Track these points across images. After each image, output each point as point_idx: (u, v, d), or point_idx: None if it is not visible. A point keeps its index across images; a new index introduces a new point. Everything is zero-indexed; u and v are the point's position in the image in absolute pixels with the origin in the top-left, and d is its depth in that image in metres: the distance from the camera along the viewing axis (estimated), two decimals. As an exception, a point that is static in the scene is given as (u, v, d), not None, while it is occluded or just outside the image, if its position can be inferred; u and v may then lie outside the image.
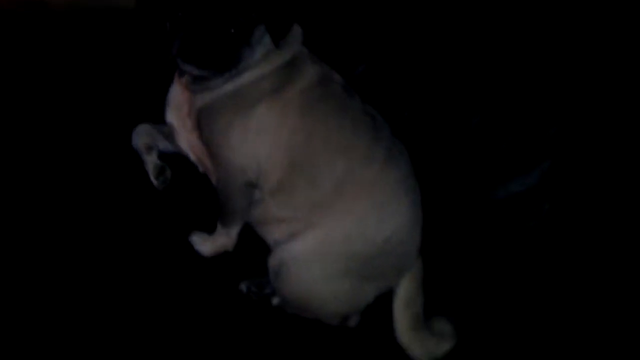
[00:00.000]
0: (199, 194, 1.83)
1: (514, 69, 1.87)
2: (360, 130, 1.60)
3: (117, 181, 1.87)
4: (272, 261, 1.62)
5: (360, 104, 1.65)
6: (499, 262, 1.84)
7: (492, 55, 1.88)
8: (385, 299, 1.69)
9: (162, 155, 1.83)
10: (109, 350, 1.54)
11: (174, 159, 1.83)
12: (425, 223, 1.70)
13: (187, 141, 1.72)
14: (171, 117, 1.73)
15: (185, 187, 1.85)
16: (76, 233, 1.74)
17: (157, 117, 1.79)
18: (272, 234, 1.65)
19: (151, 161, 1.79)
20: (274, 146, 1.56)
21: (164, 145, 1.81)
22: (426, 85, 1.92)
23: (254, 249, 1.74)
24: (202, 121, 1.61)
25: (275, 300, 1.71)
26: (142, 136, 1.79)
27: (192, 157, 1.75)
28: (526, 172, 1.85)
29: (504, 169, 1.86)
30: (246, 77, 1.54)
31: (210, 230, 1.76)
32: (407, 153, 1.68)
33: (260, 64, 1.55)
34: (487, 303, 1.78)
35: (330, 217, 1.56)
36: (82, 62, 2.09)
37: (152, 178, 1.79)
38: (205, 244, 1.75)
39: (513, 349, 1.67)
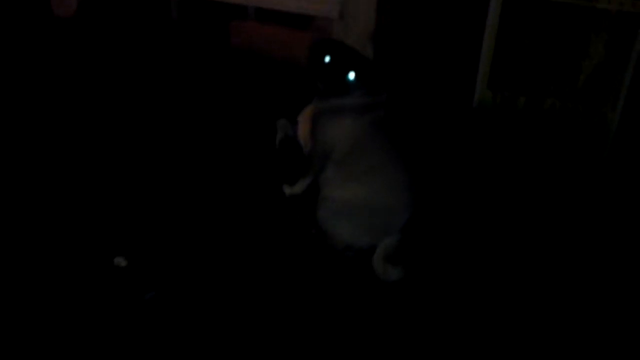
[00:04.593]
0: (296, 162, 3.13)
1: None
2: (391, 148, 2.84)
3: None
4: (319, 197, 2.86)
5: (397, 137, 2.91)
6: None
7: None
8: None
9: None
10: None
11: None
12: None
13: (302, 131, 3.06)
14: (300, 117, 3.10)
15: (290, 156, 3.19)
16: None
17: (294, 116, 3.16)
18: (325, 187, 2.88)
19: (280, 135, 3.18)
20: (346, 138, 2.82)
21: (290, 131, 3.19)
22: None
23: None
24: (314, 118, 2.95)
25: (313, 230, 2.91)
26: (281, 122, 3.21)
27: (302, 141, 3.08)
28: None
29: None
30: (346, 101, 2.86)
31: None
32: (414, 167, 2.87)
33: (355, 98, 2.86)
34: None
35: (358, 185, 2.77)
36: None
37: (276, 143, 3.19)
38: (287, 188, 3.05)
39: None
